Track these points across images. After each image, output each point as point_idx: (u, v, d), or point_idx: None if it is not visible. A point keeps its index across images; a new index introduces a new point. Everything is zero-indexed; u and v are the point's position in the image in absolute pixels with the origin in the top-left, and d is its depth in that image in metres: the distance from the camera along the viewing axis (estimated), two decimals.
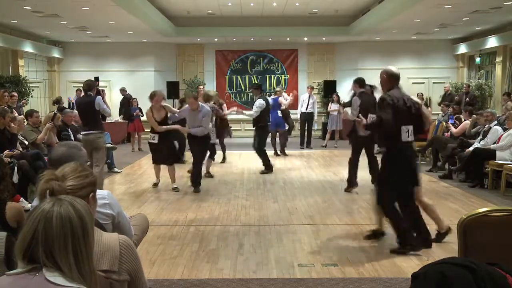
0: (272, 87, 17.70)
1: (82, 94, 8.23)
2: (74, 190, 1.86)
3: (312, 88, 13.89)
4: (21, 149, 7.28)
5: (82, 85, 15.86)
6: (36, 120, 7.92)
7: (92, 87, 7.07)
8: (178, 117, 7.82)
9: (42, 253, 1.39)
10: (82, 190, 1.93)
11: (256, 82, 17.68)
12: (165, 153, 7.55)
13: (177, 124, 7.78)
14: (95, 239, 1.68)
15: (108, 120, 12.35)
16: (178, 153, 7.58)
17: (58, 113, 8.82)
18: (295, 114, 13.26)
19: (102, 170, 7.15)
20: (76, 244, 1.42)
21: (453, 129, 9.52)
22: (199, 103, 7.57)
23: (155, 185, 7.94)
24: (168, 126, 7.54)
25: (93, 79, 7.86)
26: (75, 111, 9.82)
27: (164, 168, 7.84)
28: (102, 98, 7.46)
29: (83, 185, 1.94)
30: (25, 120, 8.03)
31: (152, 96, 7.51)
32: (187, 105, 7.81)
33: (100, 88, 7.56)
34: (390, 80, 4.73)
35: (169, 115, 7.70)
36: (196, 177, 7.68)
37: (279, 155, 11.57)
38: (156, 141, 7.46)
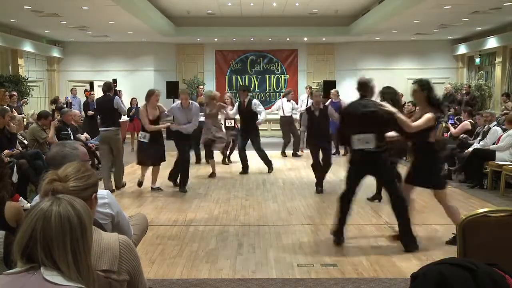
0: (272, 87, 17.70)
1: (95, 95, 8.49)
2: (77, 191, 1.83)
3: (311, 88, 13.86)
4: (20, 148, 7.28)
5: (81, 84, 15.97)
6: (47, 122, 7.93)
7: (110, 88, 7.85)
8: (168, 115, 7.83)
9: (41, 252, 1.38)
10: (85, 191, 1.90)
11: (256, 82, 17.71)
12: (152, 153, 7.46)
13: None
14: (95, 239, 1.67)
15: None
16: (164, 154, 7.61)
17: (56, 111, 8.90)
18: (295, 115, 13.20)
19: (121, 163, 7.87)
20: (74, 243, 1.41)
21: (452, 130, 9.51)
22: (189, 100, 7.69)
23: (140, 184, 7.75)
24: (158, 126, 7.52)
25: (112, 81, 8.79)
26: (74, 111, 9.89)
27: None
28: (119, 98, 8.16)
29: (86, 186, 1.92)
30: (24, 120, 8.02)
31: (151, 95, 7.49)
32: (175, 103, 7.98)
33: (117, 89, 8.29)
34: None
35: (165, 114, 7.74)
36: (185, 176, 7.64)
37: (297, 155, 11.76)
38: (147, 140, 7.41)
